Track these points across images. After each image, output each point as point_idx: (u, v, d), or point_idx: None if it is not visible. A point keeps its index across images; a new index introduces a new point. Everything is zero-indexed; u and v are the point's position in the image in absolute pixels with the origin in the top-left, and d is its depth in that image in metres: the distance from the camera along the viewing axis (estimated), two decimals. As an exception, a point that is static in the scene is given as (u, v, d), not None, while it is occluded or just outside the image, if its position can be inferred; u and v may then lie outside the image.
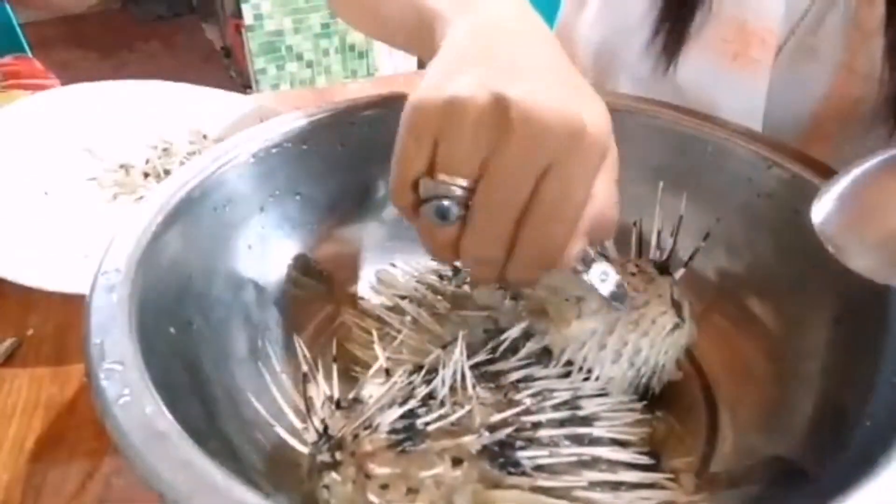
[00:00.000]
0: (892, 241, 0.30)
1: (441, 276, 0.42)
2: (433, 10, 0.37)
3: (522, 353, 0.35)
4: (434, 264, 0.44)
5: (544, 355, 0.36)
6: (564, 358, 0.35)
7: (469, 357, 0.33)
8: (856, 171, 0.33)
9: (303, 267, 0.44)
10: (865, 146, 0.52)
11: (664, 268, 0.38)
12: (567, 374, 0.35)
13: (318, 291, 0.44)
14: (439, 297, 0.40)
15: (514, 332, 0.36)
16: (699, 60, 0.53)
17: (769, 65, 0.51)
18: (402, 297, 0.41)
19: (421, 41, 0.38)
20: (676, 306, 0.36)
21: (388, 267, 0.46)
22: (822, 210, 0.32)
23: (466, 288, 0.39)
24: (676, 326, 0.36)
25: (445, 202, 0.29)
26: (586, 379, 0.35)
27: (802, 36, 0.51)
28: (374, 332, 0.38)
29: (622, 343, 0.35)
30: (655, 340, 0.36)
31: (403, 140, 0.29)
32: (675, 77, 0.54)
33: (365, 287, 0.45)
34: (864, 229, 0.31)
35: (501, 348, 0.35)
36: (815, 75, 0.51)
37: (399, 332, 0.39)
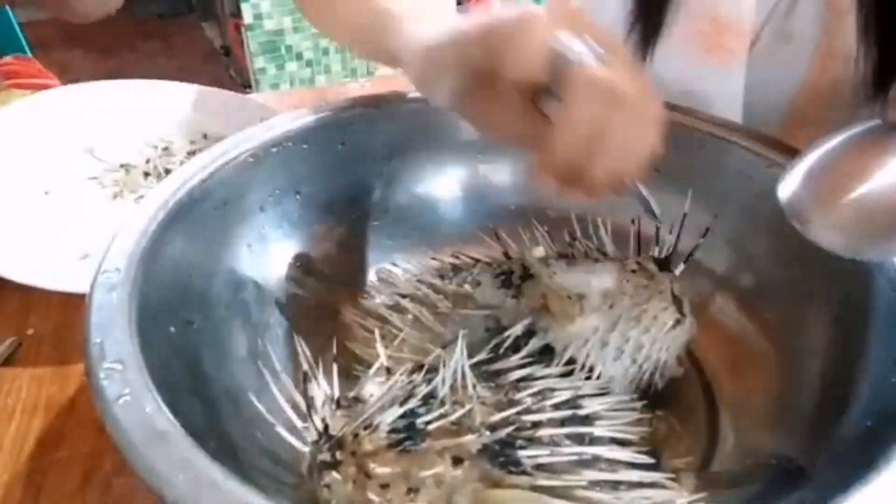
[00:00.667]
0: (859, 217, 0.30)
1: (442, 276, 0.42)
2: (389, 12, 0.40)
3: (525, 351, 0.35)
4: (435, 263, 0.44)
5: (546, 353, 0.36)
6: (567, 355, 0.35)
7: (471, 356, 0.33)
8: (822, 148, 0.33)
9: (303, 266, 0.44)
10: None
11: (664, 264, 0.38)
12: (567, 374, 0.35)
13: (318, 290, 0.44)
14: (441, 297, 0.40)
15: (517, 330, 0.36)
16: (675, 54, 0.53)
17: (745, 54, 0.52)
18: (404, 296, 0.41)
19: (371, 41, 0.41)
20: (677, 302, 0.37)
21: (389, 266, 0.46)
22: (788, 187, 0.32)
23: (468, 287, 0.39)
24: (678, 322, 0.36)
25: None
26: (588, 378, 0.35)
27: (778, 22, 0.51)
28: (376, 331, 0.38)
29: (624, 340, 0.35)
30: (657, 336, 0.36)
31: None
32: (653, 71, 0.54)
33: (365, 286, 0.45)
34: (831, 206, 0.31)
35: (504, 346, 0.35)
36: (794, 60, 0.51)
37: (401, 330, 0.39)
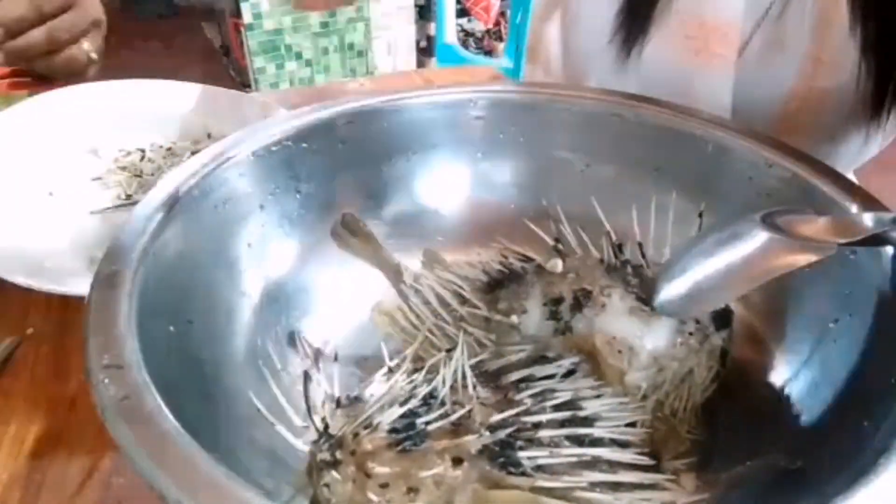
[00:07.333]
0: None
1: (487, 274, 0.41)
2: None
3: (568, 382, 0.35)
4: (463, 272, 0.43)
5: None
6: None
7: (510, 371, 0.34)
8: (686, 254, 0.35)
9: (349, 225, 0.44)
10: (841, 141, 0.53)
11: (723, 322, 0.37)
12: (567, 375, 0.35)
13: (361, 252, 0.44)
14: (484, 332, 0.39)
15: (565, 363, 0.36)
16: (663, 55, 0.53)
17: (733, 59, 0.52)
18: (447, 305, 0.40)
19: None
20: (723, 355, 0.37)
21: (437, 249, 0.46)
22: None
23: (514, 318, 0.38)
24: (717, 375, 0.36)
25: None
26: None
27: (768, 29, 0.51)
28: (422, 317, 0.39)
29: (665, 395, 0.36)
30: (695, 391, 0.36)
31: None
32: (640, 74, 0.54)
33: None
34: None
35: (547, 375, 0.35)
36: (784, 67, 0.51)
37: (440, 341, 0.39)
